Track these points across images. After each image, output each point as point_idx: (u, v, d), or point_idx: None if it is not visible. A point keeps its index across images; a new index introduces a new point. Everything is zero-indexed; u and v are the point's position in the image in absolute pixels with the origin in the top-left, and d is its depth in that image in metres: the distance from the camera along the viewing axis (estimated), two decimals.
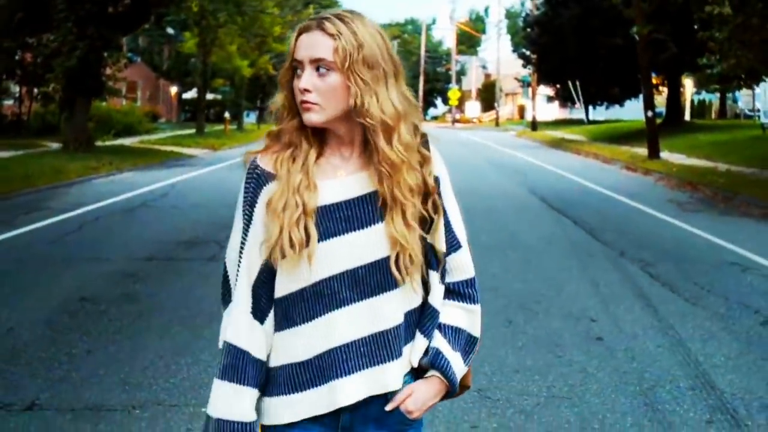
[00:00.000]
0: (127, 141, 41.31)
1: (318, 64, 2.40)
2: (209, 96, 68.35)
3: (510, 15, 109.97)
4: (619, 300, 9.18)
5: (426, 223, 2.49)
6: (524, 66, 67.86)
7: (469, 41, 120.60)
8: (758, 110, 43.75)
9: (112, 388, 6.24)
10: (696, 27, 25.80)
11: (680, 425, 5.64)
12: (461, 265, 2.62)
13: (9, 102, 46.06)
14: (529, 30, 56.67)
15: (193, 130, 53.39)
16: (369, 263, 2.45)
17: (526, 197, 19.59)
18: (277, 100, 2.55)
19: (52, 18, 30.57)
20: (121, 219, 15.81)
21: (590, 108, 63.40)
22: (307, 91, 2.39)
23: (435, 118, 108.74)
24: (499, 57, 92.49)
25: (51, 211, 16.29)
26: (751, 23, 22.98)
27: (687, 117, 55.28)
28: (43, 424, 5.64)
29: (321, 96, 2.40)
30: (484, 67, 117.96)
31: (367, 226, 2.45)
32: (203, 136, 48.57)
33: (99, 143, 34.45)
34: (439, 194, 2.54)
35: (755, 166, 25.71)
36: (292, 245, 2.38)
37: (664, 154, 31.34)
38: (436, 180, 2.53)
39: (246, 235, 2.49)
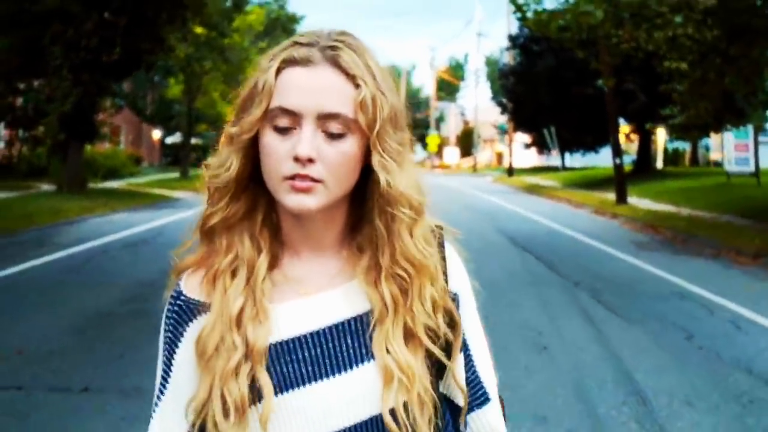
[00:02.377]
0: (115, 184, 42.70)
1: (330, 122, 1.60)
2: (192, 140, 70.00)
3: (489, 62, 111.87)
4: (567, 318, 10.64)
5: (437, 360, 1.69)
6: (502, 113, 69.62)
7: (448, 88, 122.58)
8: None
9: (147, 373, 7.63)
10: (661, 79, 27.32)
11: (599, 402, 7.10)
12: (488, 430, 1.85)
13: None
14: (504, 80, 58.37)
15: (175, 174, 54.96)
16: (353, 426, 1.63)
17: (495, 236, 20.78)
18: (218, 164, 1.69)
19: (48, 64, 32.03)
20: (126, 252, 17.21)
21: (566, 155, 65.05)
22: (310, 161, 1.59)
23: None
24: (477, 104, 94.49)
25: (58, 246, 17.73)
26: (708, 77, 24.57)
27: (660, 164, 56.92)
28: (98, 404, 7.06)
29: (328, 170, 1.60)
30: (462, 113, 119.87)
31: (347, 369, 1.64)
32: (188, 180, 49.98)
33: (91, 185, 35.94)
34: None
35: (716, 210, 27.11)
36: (225, 409, 1.59)
37: (633, 200, 32.77)
38: (454, 298, 1.76)
39: (162, 391, 1.72)
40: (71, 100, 31.47)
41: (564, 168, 64.51)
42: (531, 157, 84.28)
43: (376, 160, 1.63)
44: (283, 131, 1.60)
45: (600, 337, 9.71)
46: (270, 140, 1.61)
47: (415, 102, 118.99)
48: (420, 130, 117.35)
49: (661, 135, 60.61)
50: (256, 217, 1.72)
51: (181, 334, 1.69)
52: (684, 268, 15.59)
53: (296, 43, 1.63)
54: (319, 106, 1.58)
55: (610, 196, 34.34)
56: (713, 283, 13.50)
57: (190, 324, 1.69)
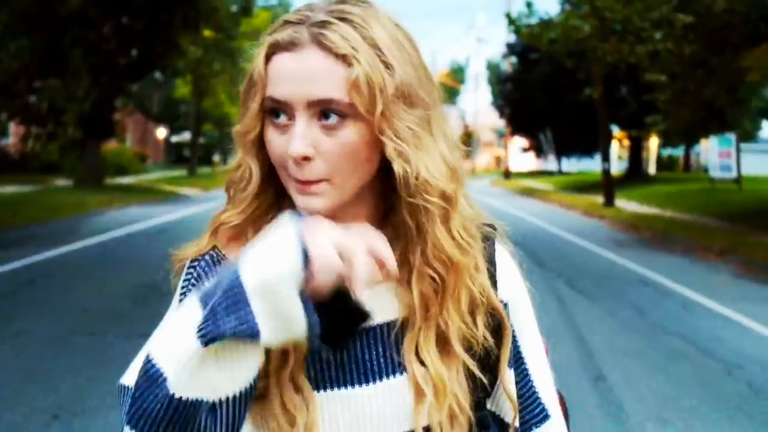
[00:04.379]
0: (125, 180, 44.56)
1: (322, 108, 1.39)
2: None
3: (490, 66, 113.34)
4: (542, 298, 12.33)
5: (481, 372, 1.52)
6: (500, 117, 71.17)
7: (449, 92, 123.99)
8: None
9: None
10: (649, 88, 29.02)
11: (555, 354, 8.85)
12: None
13: (6, 141, 49.07)
14: (502, 86, 60.05)
15: (181, 172, 56.80)
16: None
17: None
18: (234, 168, 1.54)
19: (65, 65, 33.82)
20: (150, 239, 19.23)
21: (563, 159, 66.83)
22: (306, 159, 1.39)
23: None
24: (477, 108, 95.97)
25: (87, 234, 19.83)
26: (688, 88, 26.32)
27: (653, 170, 58.66)
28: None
29: (331, 165, 1.40)
30: (463, 117, 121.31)
31: (376, 380, 1.49)
32: (195, 177, 51.84)
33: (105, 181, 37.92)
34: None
35: (696, 213, 28.65)
36: (285, 412, 1.44)
37: (621, 203, 34.38)
38: (504, 306, 1.59)
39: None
40: (90, 99, 33.30)
41: (560, 172, 66.20)
42: (529, 162, 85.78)
43: (388, 146, 1.40)
44: (278, 125, 1.42)
45: (565, 310, 11.46)
46: (270, 136, 1.44)
47: None
48: None
49: (654, 142, 62.37)
50: (281, 209, 1.47)
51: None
52: (654, 261, 17.26)
53: (286, 22, 1.44)
54: (307, 94, 1.38)
55: (600, 199, 35.84)
56: (675, 274, 15.19)
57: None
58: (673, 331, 10.43)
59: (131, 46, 33.66)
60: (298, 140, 1.38)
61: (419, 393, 1.47)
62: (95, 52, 33.13)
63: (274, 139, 1.43)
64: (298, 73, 1.39)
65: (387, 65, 1.40)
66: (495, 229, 1.65)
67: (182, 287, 1.54)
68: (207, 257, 1.54)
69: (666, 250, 20.09)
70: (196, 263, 1.55)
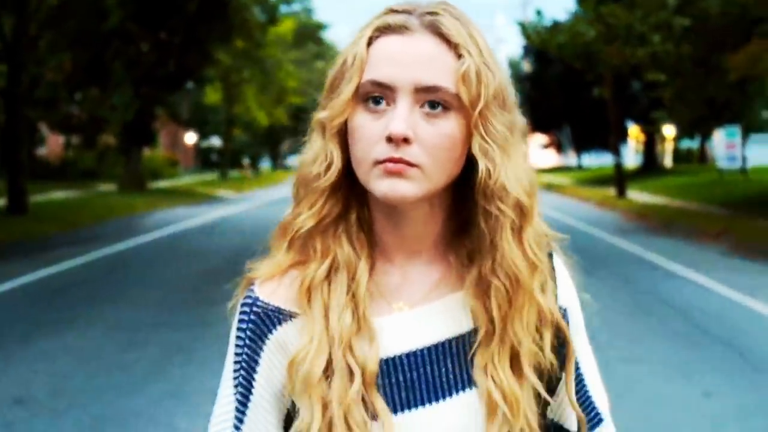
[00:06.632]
0: (161, 184, 46.98)
1: (429, 97, 1.38)
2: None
3: (512, 64, 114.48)
4: None
5: (546, 383, 1.49)
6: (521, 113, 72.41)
7: None
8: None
9: None
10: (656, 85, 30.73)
11: None
12: None
13: (43, 150, 51.37)
14: (520, 85, 61.84)
15: (211, 175, 59.36)
16: None
17: None
18: (313, 159, 1.47)
19: (107, 77, 36.24)
20: (203, 234, 21.97)
21: (583, 154, 68.61)
22: (405, 141, 1.35)
23: None
24: None
25: (144, 230, 22.82)
26: (689, 85, 28.28)
27: (669, 163, 60.10)
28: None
29: (427, 152, 1.37)
30: None
31: (446, 396, 1.46)
32: (227, 181, 54.36)
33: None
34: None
35: (703, 202, 30.16)
36: None
37: (633, 194, 36.11)
38: (564, 313, 1.56)
39: (242, 420, 1.48)
40: (133, 110, 35.77)
41: (579, 167, 67.90)
42: (550, 158, 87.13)
43: (476, 143, 1.38)
44: (375, 110, 1.38)
45: None
46: (361, 121, 1.39)
47: None
48: None
49: (671, 135, 63.89)
50: (350, 215, 1.47)
51: (260, 348, 1.47)
52: (653, 244, 19.22)
53: (391, 11, 1.42)
54: (416, 79, 1.35)
55: (614, 191, 37.52)
56: (668, 253, 17.23)
57: (270, 335, 1.47)
58: (647, 292, 12.72)
59: (169, 59, 36.07)
60: (401, 121, 1.34)
61: (492, 409, 1.43)
62: (136, 65, 35.55)
63: (366, 123, 1.38)
64: (408, 57, 1.37)
65: (487, 65, 1.39)
66: (548, 237, 1.56)
67: (237, 336, 1.50)
68: (254, 310, 1.49)
69: (667, 234, 21.87)
70: (247, 309, 1.50)
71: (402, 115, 1.34)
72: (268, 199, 37.55)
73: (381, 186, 1.37)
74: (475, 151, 1.39)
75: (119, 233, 21.67)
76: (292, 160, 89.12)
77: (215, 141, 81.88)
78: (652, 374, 8.25)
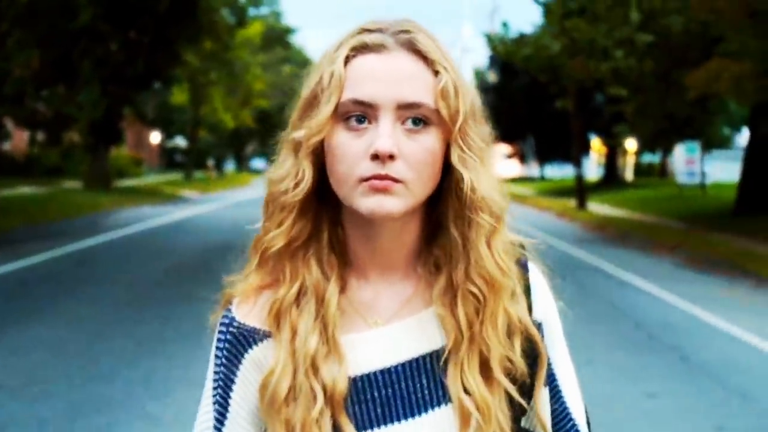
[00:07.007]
0: (126, 183, 47.10)
1: (411, 113, 1.42)
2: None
3: (477, 74, 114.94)
4: None
5: (519, 395, 1.51)
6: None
7: None
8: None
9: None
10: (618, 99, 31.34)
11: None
12: None
13: (7, 145, 51.27)
14: (484, 95, 62.47)
15: (176, 175, 59.48)
16: None
17: None
18: (284, 176, 1.49)
19: (74, 75, 36.38)
20: (170, 232, 22.44)
21: (546, 165, 69.28)
22: (390, 158, 1.39)
23: None
24: None
25: (112, 228, 23.07)
26: (650, 101, 28.87)
27: (630, 176, 60.80)
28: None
29: (411, 168, 1.42)
30: None
31: (421, 412, 1.49)
32: (191, 181, 54.55)
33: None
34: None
35: (660, 215, 30.88)
36: None
37: (594, 206, 36.59)
38: (539, 327, 1.58)
39: None
40: (101, 108, 35.93)
41: (542, 178, 68.52)
42: (513, 168, 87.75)
43: (456, 156, 1.44)
44: (356, 128, 1.40)
45: None
46: (342, 139, 1.41)
47: None
48: None
49: (633, 149, 64.67)
50: (321, 236, 1.50)
51: (236, 367, 1.51)
52: (608, 254, 19.69)
53: (364, 30, 1.45)
54: (398, 96, 1.39)
55: (574, 203, 37.90)
56: (623, 263, 17.72)
57: (246, 355, 1.51)
58: (601, 299, 13.18)
59: (138, 58, 36.22)
60: (387, 138, 1.37)
61: (464, 419, 1.44)
62: (104, 64, 35.71)
63: (347, 141, 1.40)
64: (387, 74, 1.40)
65: (461, 80, 1.45)
66: (525, 248, 1.62)
67: (215, 354, 1.54)
68: (231, 331, 1.53)
69: (623, 245, 22.35)
70: (224, 328, 1.54)
71: (387, 133, 1.38)
72: (232, 200, 37.95)
73: (367, 203, 1.40)
74: (456, 163, 1.44)
75: (86, 230, 22.01)
76: (257, 163, 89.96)
77: (180, 141, 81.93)
78: (601, 377, 8.64)
